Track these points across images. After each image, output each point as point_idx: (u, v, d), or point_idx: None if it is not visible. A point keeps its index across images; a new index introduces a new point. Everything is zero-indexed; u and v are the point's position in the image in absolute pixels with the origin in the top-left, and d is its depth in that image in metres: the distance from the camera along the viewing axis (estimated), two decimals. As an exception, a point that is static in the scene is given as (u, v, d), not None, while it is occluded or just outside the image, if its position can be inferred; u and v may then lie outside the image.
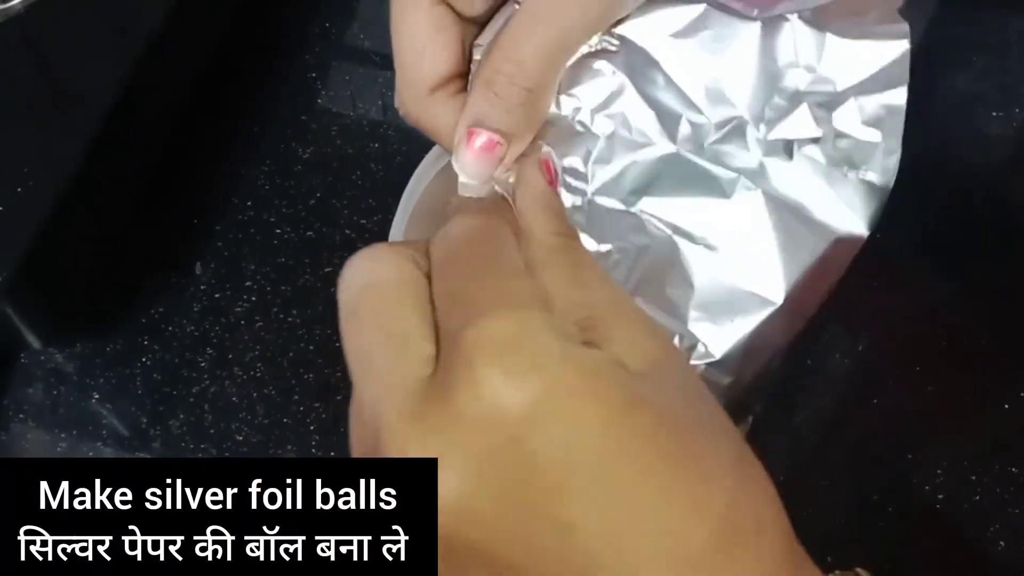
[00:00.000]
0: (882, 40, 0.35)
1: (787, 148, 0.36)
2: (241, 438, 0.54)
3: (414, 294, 0.30)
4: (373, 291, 0.32)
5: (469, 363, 0.27)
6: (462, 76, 0.37)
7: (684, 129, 0.35)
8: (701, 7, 0.35)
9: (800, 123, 0.36)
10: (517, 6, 0.35)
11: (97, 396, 0.55)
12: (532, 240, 0.32)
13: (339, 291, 0.32)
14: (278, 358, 0.56)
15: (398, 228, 0.48)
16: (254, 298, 0.58)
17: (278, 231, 0.60)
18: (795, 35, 0.35)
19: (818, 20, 0.35)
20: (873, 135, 0.36)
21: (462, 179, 0.35)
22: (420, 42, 0.37)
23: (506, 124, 0.34)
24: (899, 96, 0.36)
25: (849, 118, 0.36)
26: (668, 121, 0.35)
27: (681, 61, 0.35)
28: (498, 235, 0.32)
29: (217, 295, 0.58)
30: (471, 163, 0.34)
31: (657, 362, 0.29)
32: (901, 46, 0.36)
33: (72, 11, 0.53)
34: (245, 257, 0.60)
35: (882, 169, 0.37)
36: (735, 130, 0.36)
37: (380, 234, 0.59)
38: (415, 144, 0.63)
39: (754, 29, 0.35)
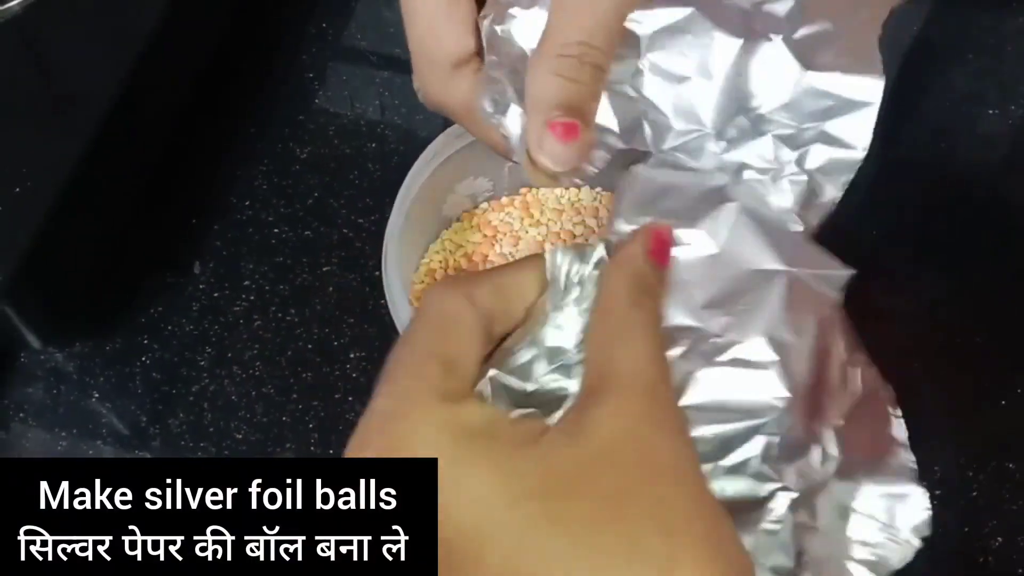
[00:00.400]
0: (856, 83, 0.35)
1: (739, 170, 0.36)
2: (240, 436, 0.54)
3: None
4: None
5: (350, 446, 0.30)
6: (481, 54, 0.36)
7: (646, 130, 0.36)
8: (689, 10, 0.35)
9: (760, 151, 0.35)
10: None
11: (97, 395, 0.55)
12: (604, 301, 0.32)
13: None
14: (277, 357, 0.56)
15: (394, 226, 0.48)
16: (252, 297, 0.58)
17: (276, 231, 0.61)
18: (772, 58, 0.35)
19: (798, 41, 0.35)
20: (820, 182, 0.36)
21: (535, 173, 0.33)
22: (436, 18, 0.35)
23: (584, 106, 0.32)
24: (852, 156, 0.35)
25: (804, 160, 0.36)
26: (630, 121, 0.35)
27: (656, 62, 0.35)
28: (437, 317, 0.32)
29: (216, 294, 0.58)
30: (563, 154, 0.32)
31: (619, 439, 0.28)
32: (873, 96, 0.35)
33: (70, 12, 0.53)
34: (243, 256, 0.60)
35: (817, 213, 0.36)
36: (695, 141, 0.35)
37: (377, 233, 0.59)
38: (412, 144, 0.63)
39: (733, 45, 0.35)
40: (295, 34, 0.68)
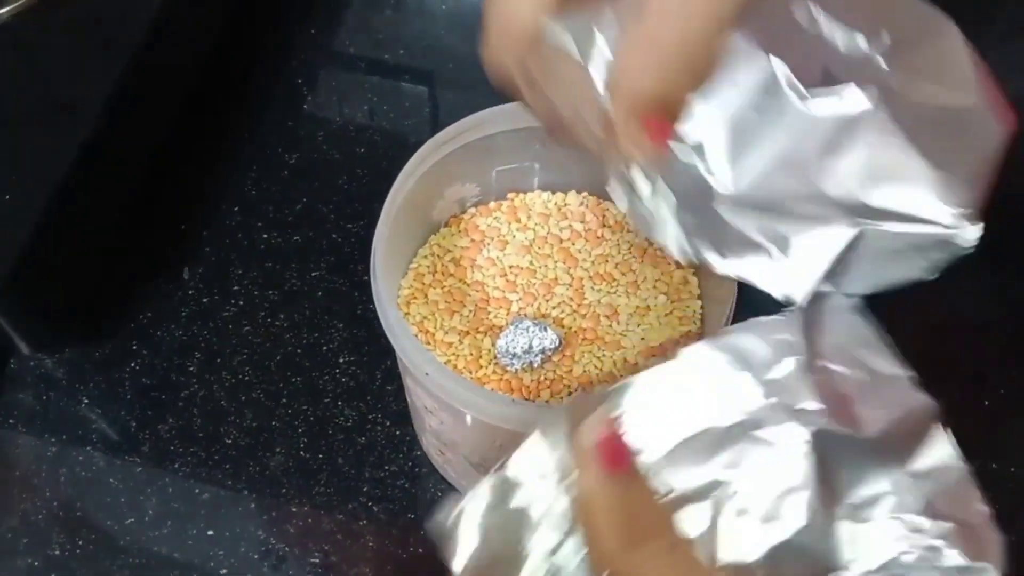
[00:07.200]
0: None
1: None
2: (230, 441, 0.54)
3: None
4: None
5: None
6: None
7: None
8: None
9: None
10: None
11: (86, 401, 0.55)
12: None
13: None
14: (266, 362, 0.56)
15: (383, 231, 0.49)
16: (242, 302, 0.58)
17: (265, 236, 0.61)
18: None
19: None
20: None
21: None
22: None
23: (677, 108, 0.32)
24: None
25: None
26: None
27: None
28: None
29: (205, 300, 0.59)
30: (650, 148, 0.33)
31: None
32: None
33: (60, 19, 0.53)
34: (232, 262, 0.60)
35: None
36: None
37: (366, 239, 0.59)
38: (401, 149, 0.63)
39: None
40: (285, 40, 0.69)
